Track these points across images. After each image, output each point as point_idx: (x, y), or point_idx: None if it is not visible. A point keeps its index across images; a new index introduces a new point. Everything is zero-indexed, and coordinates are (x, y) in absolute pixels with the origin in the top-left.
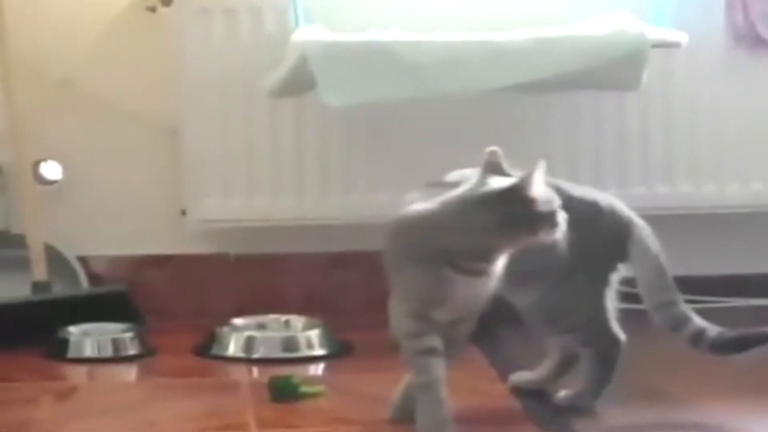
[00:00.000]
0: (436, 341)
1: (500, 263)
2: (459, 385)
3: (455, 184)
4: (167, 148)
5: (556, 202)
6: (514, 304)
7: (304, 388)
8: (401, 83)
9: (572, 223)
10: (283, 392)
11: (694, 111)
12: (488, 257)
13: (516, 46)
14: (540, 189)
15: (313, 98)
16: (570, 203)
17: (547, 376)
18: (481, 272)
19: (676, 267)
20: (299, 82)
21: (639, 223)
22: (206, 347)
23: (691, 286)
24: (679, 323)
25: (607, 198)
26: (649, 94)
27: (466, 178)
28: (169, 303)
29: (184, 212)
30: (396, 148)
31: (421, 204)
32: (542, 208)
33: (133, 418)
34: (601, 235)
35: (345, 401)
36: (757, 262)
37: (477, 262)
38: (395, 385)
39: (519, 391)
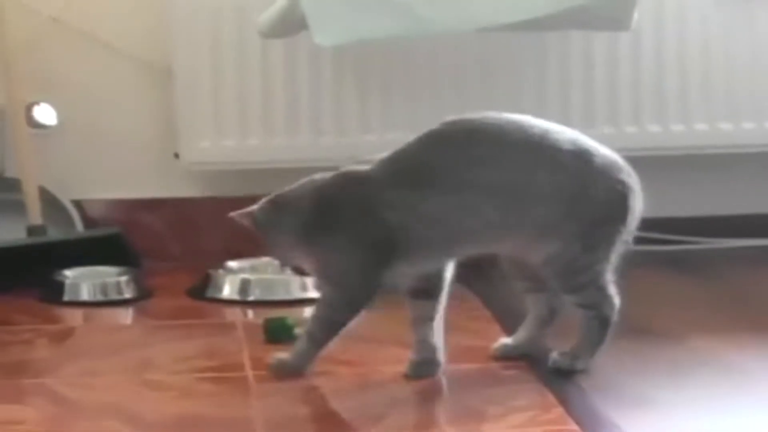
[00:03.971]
0: None
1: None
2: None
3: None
4: (161, 89)
5: None
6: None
7: (299, 330)
8: (392, 21)
9: (589, 176)
10: (278, 334)
11: (684, 52)
12: None
13: None
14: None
15: (306, 38)
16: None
17: (529, 339)
18: None
19: (668, 208)
20: (291, 22)
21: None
22: (201, 290)
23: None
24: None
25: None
26: (641, 35)
27: None
28: (163, 246)
29: (177, 155)
30: (387, 89)
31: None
32: None
33: (129, 359)
34: (610, 192)
35: (340, 343)
36: (746, 203)
37: None
38: (390, 325)
39: (502, 359)
